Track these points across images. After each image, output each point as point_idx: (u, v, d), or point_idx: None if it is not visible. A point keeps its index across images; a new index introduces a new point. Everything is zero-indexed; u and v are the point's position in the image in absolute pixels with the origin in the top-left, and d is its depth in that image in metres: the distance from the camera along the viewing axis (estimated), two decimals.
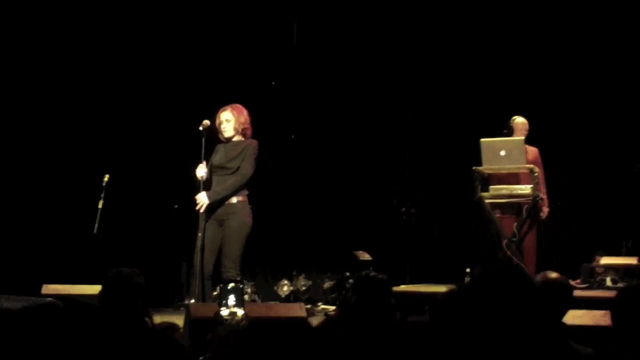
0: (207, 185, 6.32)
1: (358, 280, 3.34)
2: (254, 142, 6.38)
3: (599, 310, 4.69)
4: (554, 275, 3.00)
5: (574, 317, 3.87)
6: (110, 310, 3.21)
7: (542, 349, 2.50)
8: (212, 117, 6.52)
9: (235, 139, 6.39)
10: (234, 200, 6.22)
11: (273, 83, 9.05)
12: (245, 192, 6.32)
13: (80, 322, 2.03)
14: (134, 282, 3.48)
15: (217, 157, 6.37)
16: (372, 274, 3.31)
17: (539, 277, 3.00)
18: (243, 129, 6.38)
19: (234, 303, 4.18)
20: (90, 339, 1.98)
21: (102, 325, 2.03)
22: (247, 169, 6.26)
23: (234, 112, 6.38)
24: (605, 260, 7.65)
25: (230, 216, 6.21)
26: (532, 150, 7.39)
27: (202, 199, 6.19)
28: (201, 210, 6.19)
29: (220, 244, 6.16)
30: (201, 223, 6.22)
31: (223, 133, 6.37)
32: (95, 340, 1.99)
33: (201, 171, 6.27)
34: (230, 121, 6.35)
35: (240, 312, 4.23)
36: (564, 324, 3.00)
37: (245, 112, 6.44)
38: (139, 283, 3.50)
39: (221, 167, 6.30)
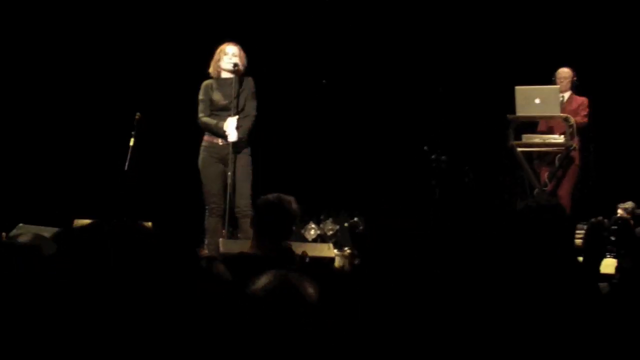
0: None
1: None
2: (252, 80, 6.34)
3: None
4: None
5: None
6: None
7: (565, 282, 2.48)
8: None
9: (230, 75, 6.26)
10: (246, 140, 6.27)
11: (324, 81, 8.96)
12: None
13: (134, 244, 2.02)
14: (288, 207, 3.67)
15: (217, 96, 6.28)
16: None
17: None
18: (244, 70, 6.31)
19: None
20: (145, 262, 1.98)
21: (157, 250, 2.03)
22: (255, 109, 6.31)
23: (241, 50, 6.31)
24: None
25: (239, 156, 6.24)
26: (578, 100, 7.29)
27: (234, 136, 6.17)
28: (230, 140, 6.16)
29: (226, 183, 6.18)
30: (230, 163, 6.22)
31: (225, 66, 6.26)
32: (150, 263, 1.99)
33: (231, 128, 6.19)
34: (236, 56, 6.27)
35: None
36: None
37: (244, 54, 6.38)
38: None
39: (224, 107, 6.23)
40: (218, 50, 6.33)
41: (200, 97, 6.34)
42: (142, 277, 1.98)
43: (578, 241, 7.17)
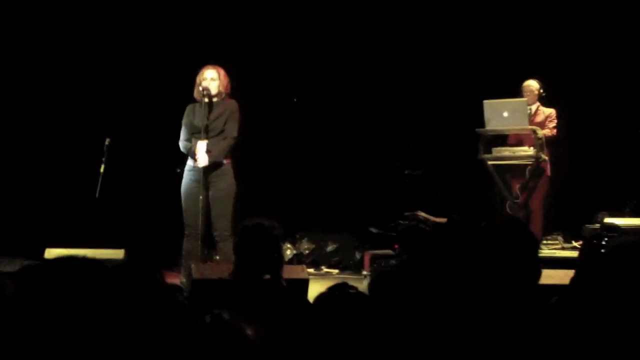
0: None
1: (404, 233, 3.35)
2: (235, 102, 6.30)
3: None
4: None
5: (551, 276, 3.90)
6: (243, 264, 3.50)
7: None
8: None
9: (215, 99, 6.24)
10: (221, 163, 6.21)
11: (295, 100, 8.97)
12: (229, 154, 6.30)
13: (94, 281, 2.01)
14: (271, 234, 3.61)
15: (197, 119, 6.24)
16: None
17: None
18: (226, 93, 6.29)
19: None
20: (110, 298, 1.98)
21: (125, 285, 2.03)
22: (236, 131, 6.24)
23: (220, 72, 6.28)
24: (607, 221, 7.61)
25: (219, 178, 6.20)
26: (546, 112, 7.34)
27: (203, 161, 6.14)
28: (199, 166, 6.15)
29: (207, 207, 6.16)
30: (206, 186, 6.20)
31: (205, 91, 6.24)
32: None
33: (201, 152, 6.16)
34: (215, 80, 6.24)
35: None
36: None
37: (227, 77, 6.34)
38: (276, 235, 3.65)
39: (204, 129, 6.20)
40: (199, 74, 6.32)
41: (183, 120, 6.35)
42: (100, 309, 1.99)
43: (551, 251, 7.30)
